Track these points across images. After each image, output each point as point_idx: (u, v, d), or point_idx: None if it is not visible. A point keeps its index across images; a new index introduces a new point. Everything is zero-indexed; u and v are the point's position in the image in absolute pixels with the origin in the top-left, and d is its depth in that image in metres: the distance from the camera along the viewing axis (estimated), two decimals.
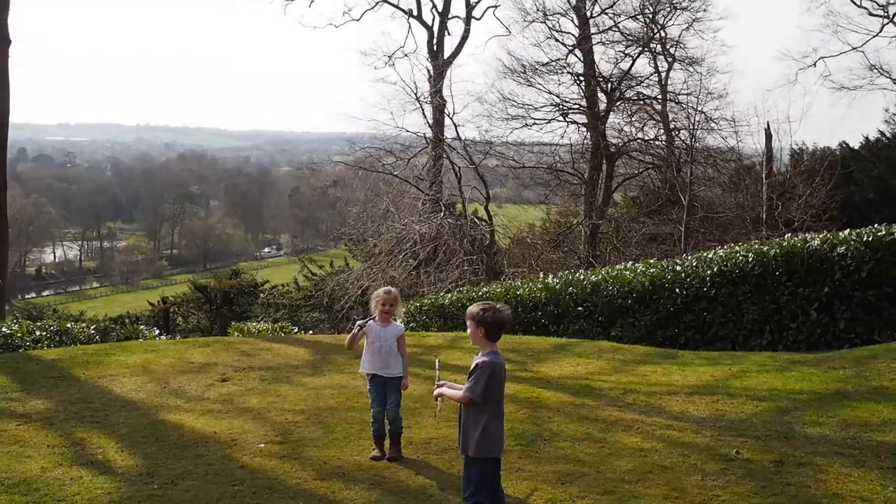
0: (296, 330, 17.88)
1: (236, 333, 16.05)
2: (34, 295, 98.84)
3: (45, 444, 7.34)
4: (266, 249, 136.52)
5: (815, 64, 36.75)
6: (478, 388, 5.23)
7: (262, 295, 37.03)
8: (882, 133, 32.69)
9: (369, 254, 29.95)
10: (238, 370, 10.47)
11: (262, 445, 7.37)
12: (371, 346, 7.16)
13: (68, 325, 14.57)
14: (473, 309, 5.42)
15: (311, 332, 22.56)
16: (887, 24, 34.85)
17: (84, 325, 15.74)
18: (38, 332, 13.61)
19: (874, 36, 35.24)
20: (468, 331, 5.45)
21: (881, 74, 35.08)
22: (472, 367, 5.31)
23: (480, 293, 16.59)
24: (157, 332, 17.19)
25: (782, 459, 6.67)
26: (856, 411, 7.85)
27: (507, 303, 14.91)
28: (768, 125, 26.32)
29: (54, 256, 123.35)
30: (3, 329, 13.23)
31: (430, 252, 27.50)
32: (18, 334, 13.17)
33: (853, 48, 35.80)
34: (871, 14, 35.28)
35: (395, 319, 7.28)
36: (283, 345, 12.55)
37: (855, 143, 32.55)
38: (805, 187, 25.84)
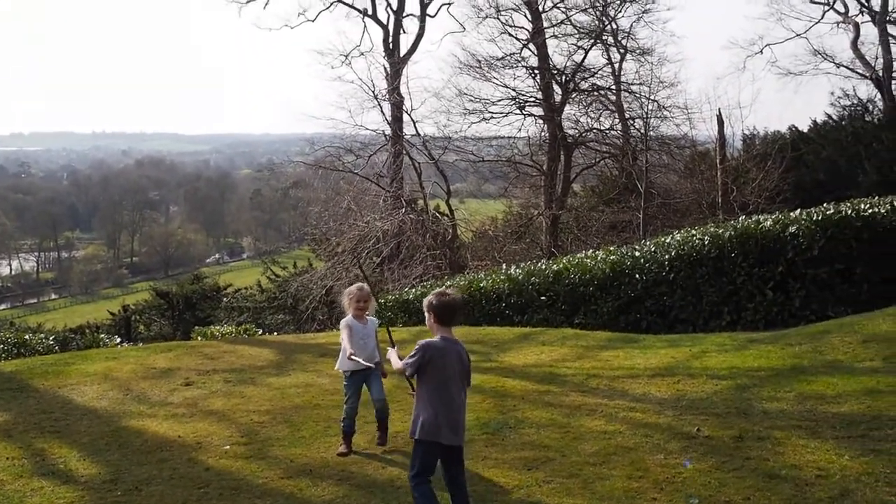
0: (260, 332, 17.82)
1: (199, 337, 15.95)
2: None
3: (4, 457, 7.24)
4: (218, 255, 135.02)
5: (761, 51, 37.44)
6: (410, 363, 5.39)
7: (225, 299, 36.77)
8: (829, 116, 33.29)
9: (332, 253, 29.85)
10: (202, 373, 10.42)
11: (228, 447, 7.34)
12: (354, 344, 7.11)
13: (26, 337, 14.41)
14: (426, 297, 5.63)
15: (275, 333, 22.47)
16: (828, 10, 35.76)
17: (43, 336, 15.57)
18: None
19: (816, 22, 36.18)
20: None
21: (825, 59, 35.98)
22: None
23: (444, 287, 16.61)
24: (119, 340, 17.04)
25: (742, 435, 6.79)
26: (811, 385, 8.00)
27: (471, 296, 15.04)
28: (720, 111, 26.60)
29: (10, 269, 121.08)
30: None
31: (394, 249, 27.54)
32: None
33: (797, 35, 36.62)
34: (812, 2, 36.21)
35: (368, 314, 7.35)
36: (246, 346, 12.50)
37: (804, 127, 33.11)
38: (758, 171, 26.14)
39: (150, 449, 7.37)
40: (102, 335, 17.79)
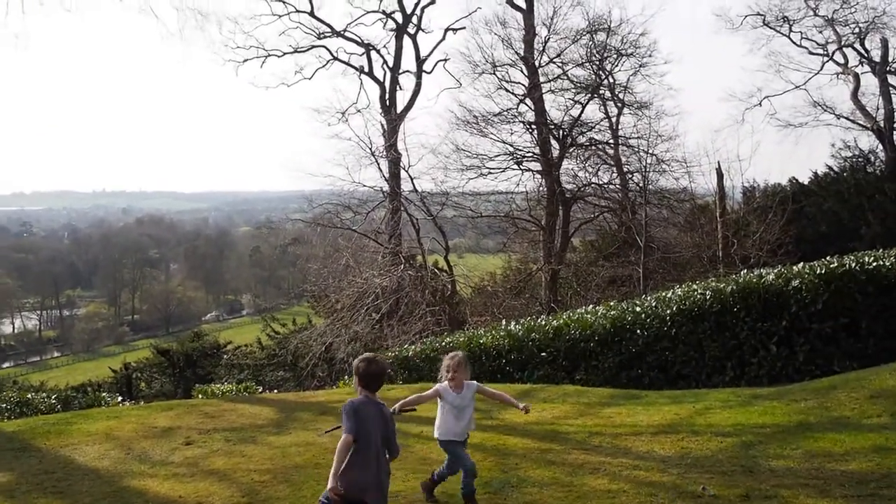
0: (260, 389, 17.73)
1: (200, 395, 15.89)
2: None
3: None
4: (217, 312, 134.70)
5: (760, 103, 37.78)
6: (347, 425, 5.42)
7: (225, 356, 36.65)
8: (830, 168, 33.49)
9: (332, 309, 29.84)
10: (202, 432, 10.35)
11: None
12: (447, 412, 6.88)
13: (29, 396, 14.38)
14: (356, 360, 5.76)
15: (276, 390, 22.35)
16: (827, 61, 36.08)
17: (45, 394, 15.53)
18: None
19: (815, 73, 36.51)
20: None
21: (825, 111, 36.20)
22: None
23: (444, 343, 16.60)
24: (120, 398, 16.98)
25: (748, 493, 6.72)
26: (819, 442, 7.95)
27: (470, 352, 14.98)
28: (719, 164, 26.81)
29: (13, 327, 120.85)
30: None
31: (393, 305, 27.51)
32: None
33: (796, 86, 36.99)
34: (811, 53, 36.48)
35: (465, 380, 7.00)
36: (247, 405, 12.43)
37: (804, 179, 33.29)
38: (759, 224, 26.27)
39: None
40: (104, 393, 17.73)
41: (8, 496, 7.86)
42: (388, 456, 5.63)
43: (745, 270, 14.32)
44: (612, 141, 33.07)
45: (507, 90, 32.48)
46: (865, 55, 34.97)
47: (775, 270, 13.06)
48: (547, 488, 7.25)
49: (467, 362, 7.04)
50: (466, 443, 7.02)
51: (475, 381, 7.05)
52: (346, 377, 18.86)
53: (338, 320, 28.08)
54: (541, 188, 32.45)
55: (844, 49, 35.39)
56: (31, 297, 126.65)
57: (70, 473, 8.64)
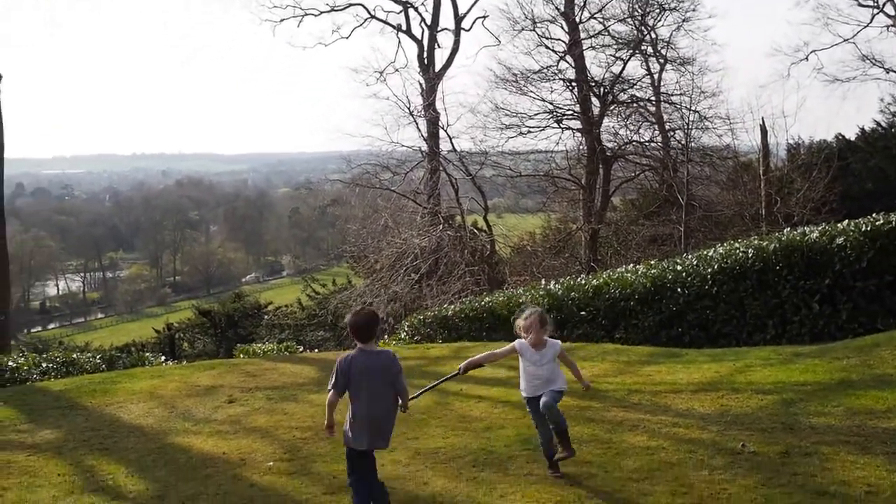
0: (301, 349, 17.91)
1: (242, 355, 16.08)
2: (39, 329, 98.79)
3: (55, 473, 7.37)
4: (256, 273, 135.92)
5: (807, 58, 36.88)
6: (331, 382, 5.88)
7: (266, 316, 37.07)
8: (878, 123, 32.74)
9: (371, 270, 30.00)
10: (244, 391, 10.51)
11: (272, 463, 7.39)
12: (524, 370, 6.68)
13: (74, 356, 14.63)
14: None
15: (316, 350, 22.57)
16: (877, 13, 35.01)
17: (90, 355, 15.83)
18: (44, 364, 13.67)
19: (865, 27, 35.43)
20: None
21: (874, 65, 35.27)
22: None
23: (483, 303, 16.61)
24: (164, 358, 17.23)
25: (788, 450, 6.69)
26: (860, 400, 7.86)
27: (510, 312, 14.97)
28: (763, 121, 26.36)
29: (58, 289, 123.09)
30: (10, 363, 13.28)
31: (432, 265, 27.57)
32: (25, 367, 13.21)
33: (844, 40, 35.99)
34: (860, 5, 35.44)
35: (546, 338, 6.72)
36: (288, 364, 12.59)
37: (851, 135, 32.59)
38: (803, 181, 25.84)
39: (195, 465, 7.44)
40: (148, 353, 18.03)
41: (56, 453, 8.07)
42: (399, 399, 5.91)
43: (788, 229, 14.10)
44: (653, 98, 32.60)
45: (546, 47, 32.06)
46: None
47: (819, 228, 12.85)
48: (586, 445, 7.27)
49: (547, 319, 6.74)
50: (552, 399, 6.47)
51: (559, 342, 6.80)
52: (386, 337, 18.99)
53: (377, 281, 28.24)
54: (581, 147, 32.13)
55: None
56: (74, 259, 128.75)
57: (116, 431, 8.84)
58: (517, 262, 31.78)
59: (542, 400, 6.46)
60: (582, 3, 31.61)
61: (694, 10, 32.18)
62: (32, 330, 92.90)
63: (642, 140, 32.76)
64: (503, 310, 15.35)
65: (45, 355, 15.06)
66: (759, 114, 36.40)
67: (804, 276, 12.32)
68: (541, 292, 15.59)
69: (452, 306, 18.20)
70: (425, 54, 34.27)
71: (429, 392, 7.39)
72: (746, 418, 7.68)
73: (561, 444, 6.48)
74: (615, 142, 32.45)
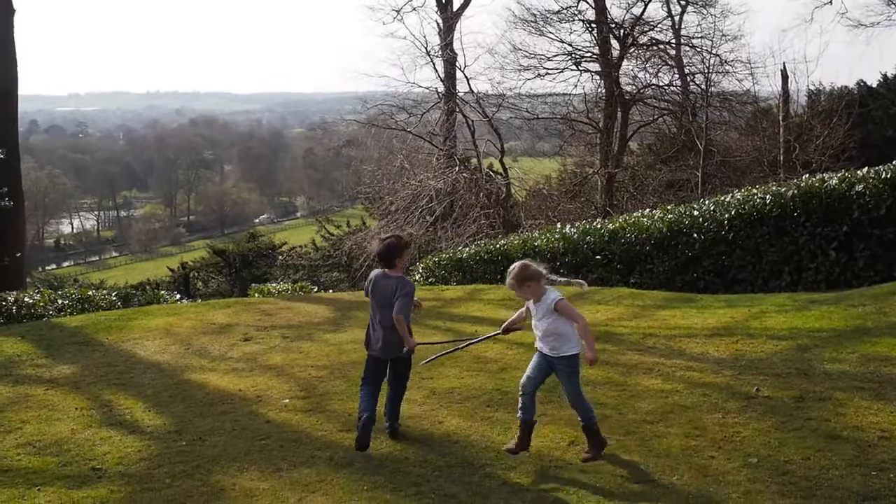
0: (315, 289, 17.97)
1: (256, 294, 16.15)
2: (54, 266, 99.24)
3: (73, 407, 7.47)
4: (269, 214, 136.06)
5: (830, 1, 36.07)
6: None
7: (280, 257, 37.20)
8: None
9: (386, 211, 29.93)
10: (260, 329, 10.58)
11: (287, 401, 7.46)
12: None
13: (90, 293, 14.70)
14: None
15: (330, 290, 22.70)
16: None
17: (105, 292, 15.88)
18: (60, 301, 13.74)
19: None
20: None
21: None
22: None
23: (498, 246, 16.60)
24: (178, 296, 17.32)
25: (802, 395, 6.70)
26: (875, 346, 7.85)
27: (525, 255, 14.95)
28: (784, 66, 26.02)
29: (72, 227, 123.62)
30: (26, 299, 13.37)
31: (447, 207, 27.51)
32: (41, 303, 13.30)
33: None
34: None
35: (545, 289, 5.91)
36: (303, 303, 12.64)
37: (873, 82, 32.08)
38: (823, 128, 25.55)
39: (211, 402, 7.52)
40: (163, 292, 18.09)
41: (74, 387, 8.16)
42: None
43: (807, 175, 13.97)
44: (674, 41, 32.08)
45: None
46: None
47: (839, 175, 12.72)
48: (601, 387, 7.30)
49: (526, 274, 5.81)
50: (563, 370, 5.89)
51: (556, 295, 5.81)
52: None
53: (392, 222, 28.19)
54: (599, 90, 31.74)
55: None
56: (89, 197, 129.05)
57: (132, 367, 8.92)
58: (532, 206, 31.64)
59: (564, 390, 5.96)
60: None
61: None
62: (47, 268, 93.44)
63: (661, 84, 32.28)
64: (518, 253, 15.33)
65: (60, 292, 15.13)
66: (781, 58, 35.87)
67: (822, 222, 12.24)
68: (556, 236, 15.55)
69: (467, 249, 18.22)
70: None
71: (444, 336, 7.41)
72: (761, 363, 7.69)
73: (588, 442, 5.90)
74: (634, 85, 31.99)
